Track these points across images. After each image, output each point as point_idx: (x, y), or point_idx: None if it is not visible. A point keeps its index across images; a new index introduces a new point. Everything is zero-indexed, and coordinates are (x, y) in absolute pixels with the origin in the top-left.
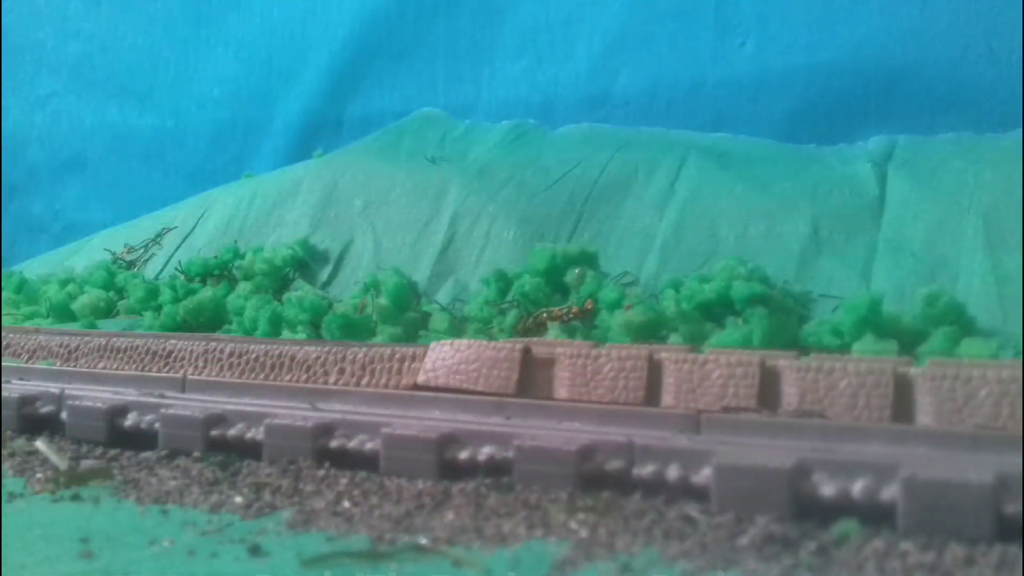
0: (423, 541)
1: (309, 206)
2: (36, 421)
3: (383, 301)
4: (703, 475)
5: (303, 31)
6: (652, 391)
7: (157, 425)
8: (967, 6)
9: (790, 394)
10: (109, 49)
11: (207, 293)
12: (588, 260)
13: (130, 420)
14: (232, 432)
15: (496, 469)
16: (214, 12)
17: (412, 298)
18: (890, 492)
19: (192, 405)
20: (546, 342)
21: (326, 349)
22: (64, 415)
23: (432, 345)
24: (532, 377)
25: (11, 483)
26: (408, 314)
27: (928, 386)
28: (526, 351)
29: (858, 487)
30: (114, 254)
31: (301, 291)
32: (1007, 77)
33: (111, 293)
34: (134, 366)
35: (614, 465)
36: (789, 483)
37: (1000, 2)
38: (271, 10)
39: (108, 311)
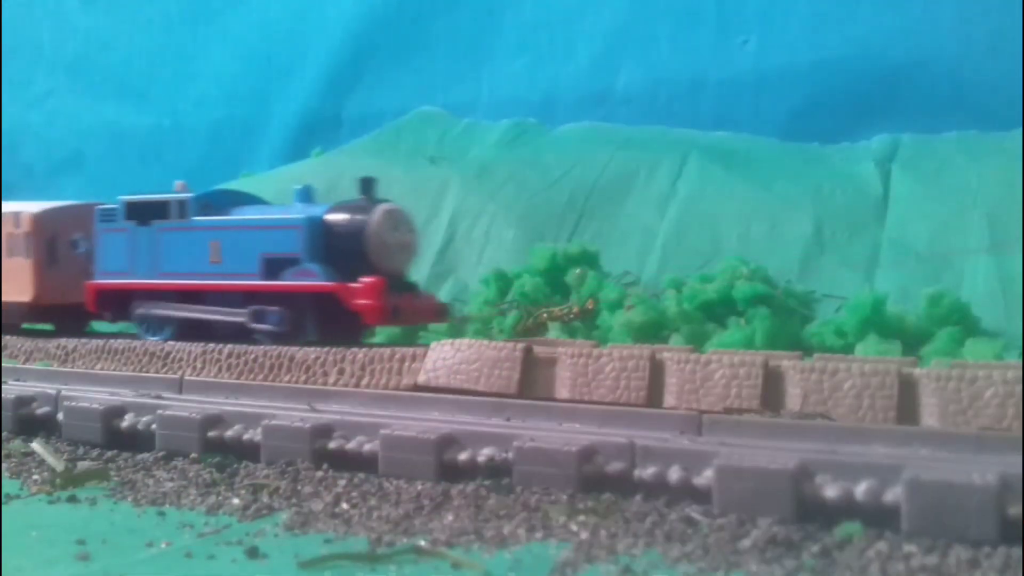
0: (422, 543)
1: None
2: (33, 422)
3: None
4: (705, 477)
5: (301, 29)
6: (654, 391)
7: (154, 426)
8: (971, 4)
9: (794, 395)
10: (106, 48)
11: None
12: (589, 260)
13: (127, 421)
14: (230, 433)
15: (496, 470)
16: (212, 10)
17: None
18: (893, 494)
19: (189, 406)
20: (547, 342)
21: (325, 349)
22: (61, 416)
23: (432, 345)
24: (533, 377)
25: (8, 485)
26: None
27: (933, 387)
28: (527, 351)
29: (861, 489)
30: None
31: None
32: (1011, 75)
33: None
34: (132, 367)
35: (615, 467)
36: (792, 485)
37: (1003, 1)
38: (269, 8)
39: None
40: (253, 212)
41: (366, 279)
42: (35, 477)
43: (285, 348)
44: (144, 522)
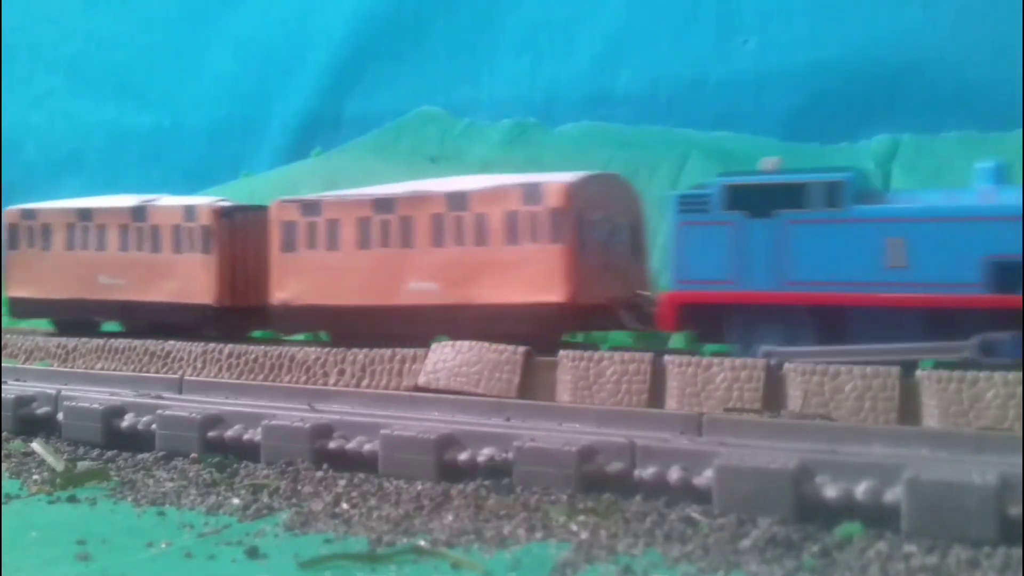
0: (422, 543)
1: None
2: (33, 422)
3: None
4: (705, 477)
5: (301, 28)
6: (655, 395)
7: (154, 426)
8: (970, 5)
9: (795, 398)
10: (106, 47)
11: None
12: None
13: (127, 421)
14: (230, 433)
15: (496, 470)
16: (212, 10)
17: None
18: (893, 494)
19: (189, 406)
20: None
21: (326, 350)
22: (61, 416)
23: (433, 346)
24: (534, 380)
25: (8, 485)
26: None
27: (934, 389)
28: (528, 354)
29: (861, 489)
30: None
31: None
32: (1011, 75)
33: None
34: (132, 367)
35: (615, 467)
36: (792, 485)
37: (1003, 1)
38: (269, 8)
39: None
40: (939, 199)
41: None
42: (35, 477)
43: (286, 348)
44: (144, 522)
